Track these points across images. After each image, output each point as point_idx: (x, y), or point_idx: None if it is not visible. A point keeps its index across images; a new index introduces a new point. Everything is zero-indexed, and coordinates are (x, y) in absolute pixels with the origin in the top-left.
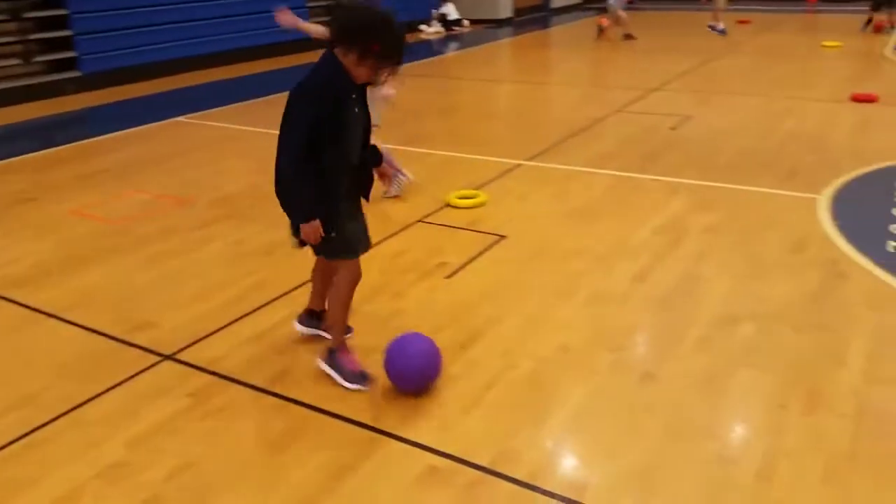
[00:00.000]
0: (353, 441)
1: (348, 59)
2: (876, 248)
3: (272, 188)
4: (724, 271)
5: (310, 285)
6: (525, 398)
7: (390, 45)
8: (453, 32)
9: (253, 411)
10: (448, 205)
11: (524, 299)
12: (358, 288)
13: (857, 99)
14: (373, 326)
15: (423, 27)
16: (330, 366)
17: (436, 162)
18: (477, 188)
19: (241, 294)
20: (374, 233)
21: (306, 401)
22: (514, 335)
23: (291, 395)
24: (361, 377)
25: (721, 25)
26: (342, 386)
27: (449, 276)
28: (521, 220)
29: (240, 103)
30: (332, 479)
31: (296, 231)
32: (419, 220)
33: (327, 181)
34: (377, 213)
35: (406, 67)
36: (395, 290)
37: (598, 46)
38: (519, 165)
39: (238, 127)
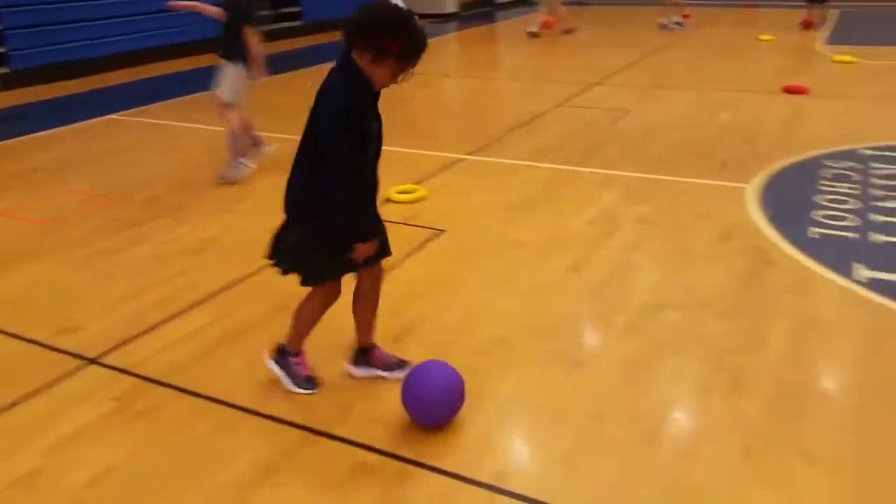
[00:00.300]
0: (282, 440)
1: (366, 62)
2: (800, 235)
3: (204, 186)
4: (655, 261)
5: (229, 291)
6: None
7: (412, 43)
8: None
9: (180, 413)
10: (388, 199)
11: (461, 293)
12: (290, 287)
13: (789, 91)
14: None
15: None
16: (280, 366)
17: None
18: (417, 183)
19: (170, 295)
20: None
21: (234, 402)
22: (450, 329)
23: (219, 397)
24: (310, 382)
25: (663, 20)
26: (289, 389)
27: (386, 272)
28: (461, 214)
29: (174, 100)
30: (260, 478)
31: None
32: None
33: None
34: None
35: None
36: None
37: (542, 42)
38: (460, 160)
39: (173, 124)
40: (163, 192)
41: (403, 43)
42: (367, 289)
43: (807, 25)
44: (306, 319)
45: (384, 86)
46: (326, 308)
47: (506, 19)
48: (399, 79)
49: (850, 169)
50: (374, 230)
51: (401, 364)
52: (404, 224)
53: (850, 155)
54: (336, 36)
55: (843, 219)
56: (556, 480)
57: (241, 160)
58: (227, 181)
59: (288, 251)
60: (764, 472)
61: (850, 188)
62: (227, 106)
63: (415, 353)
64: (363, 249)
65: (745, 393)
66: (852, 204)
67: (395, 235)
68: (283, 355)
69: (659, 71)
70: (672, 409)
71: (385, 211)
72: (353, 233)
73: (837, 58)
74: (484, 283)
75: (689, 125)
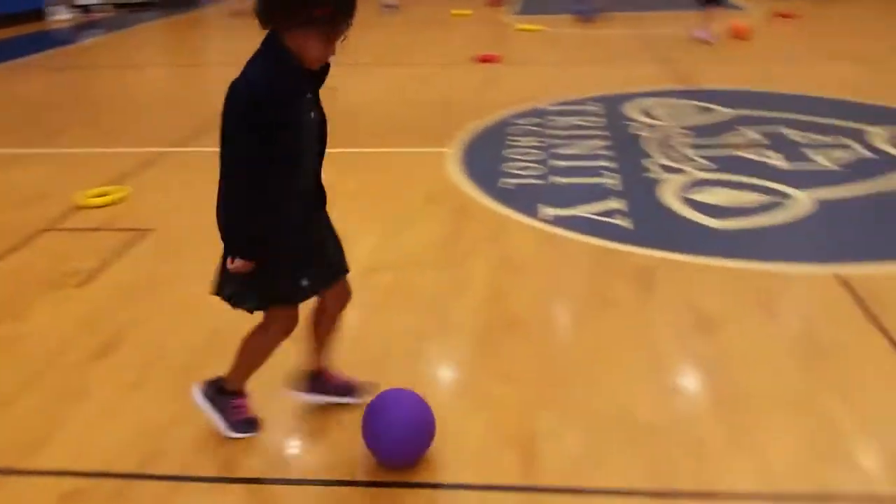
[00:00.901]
0: None
1: (292, 38)
2: (494, 188)
3: None
4: (369, 229)
5: None
6: (175, 391)
7: (338, 2)
8: (92, 18)
9: None
10: (79, 206)
11: (171, 292)
12: None
13: (482, 60)
14: None
15: (50, 13)
16: (213, 405)
17: (64, 161)
18: (115, 184)
19: None
20: None
21: None
22: (162, 330)
23: None
24: (250, 424)
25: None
26: (224, 434)
27: (80, 285)
28: (166, 211)
29: None
30: None
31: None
32: (45, 230)
33: (277, 210)
34: None
35: (33, 59)
36: (13, 310)
37: (251, 24)
38: (163, 154)
39: None
40: None
41: (329, 3)
42: (329, 308)
43: (492, 3)
44: (257, 353)
45: (321, 61)
46: (283, 338)
47: (212, 4)
48: (336, 45)
49: (535, 124)
50: (252, 251)
51: (353, 389)
52: (101, 230)
53: (534, 112)
54: (7, 33)
55: (529, 168)
56: (286, 462)
57: None
58: None
59: (231, 277)
60: (468, 399)
61: (534, 141)
62: None
63: (124, 364)
64: (237, 265)
65: (452, 335)
66: (536, 155)
67: (90, 243)
68: (222, 393)
69: (366, 49)
70: (386, 363)
71: (77, 218)
72: (231, 243)
73: (520, 26)
74: (197, 277)
75: (394, 99)
